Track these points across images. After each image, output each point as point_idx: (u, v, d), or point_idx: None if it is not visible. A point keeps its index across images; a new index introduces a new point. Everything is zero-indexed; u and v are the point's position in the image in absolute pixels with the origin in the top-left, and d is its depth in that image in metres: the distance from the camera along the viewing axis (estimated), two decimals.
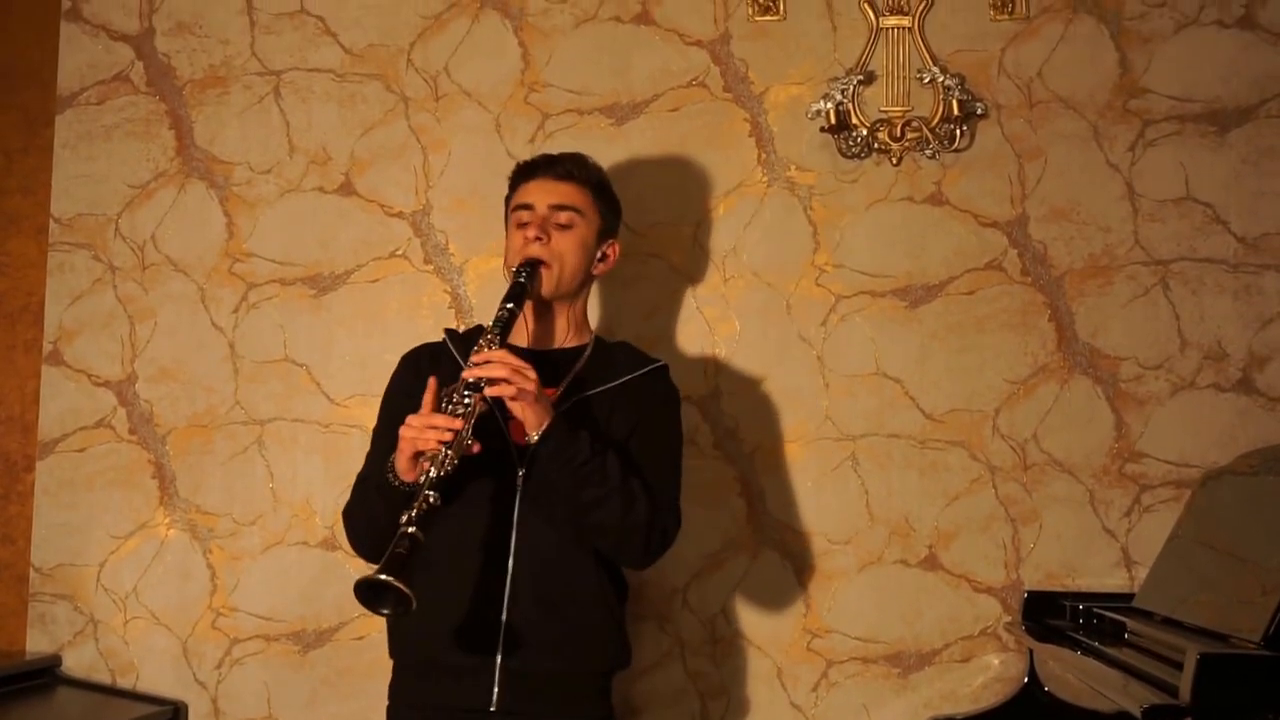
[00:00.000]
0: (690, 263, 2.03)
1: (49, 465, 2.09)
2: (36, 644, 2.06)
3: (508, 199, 1.62)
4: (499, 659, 1.42)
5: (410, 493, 1.36)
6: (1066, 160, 1.99)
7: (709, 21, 2.05)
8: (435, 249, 2.07)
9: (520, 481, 1.46)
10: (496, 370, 1.38)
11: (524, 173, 1.60)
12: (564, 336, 1.59)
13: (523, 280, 1.50)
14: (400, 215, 2.08)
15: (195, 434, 2.07)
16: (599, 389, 1.52)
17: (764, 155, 2.03)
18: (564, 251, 1.54)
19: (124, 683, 2.04)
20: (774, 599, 1.97)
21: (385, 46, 2.10)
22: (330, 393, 2.07)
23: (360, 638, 2.01)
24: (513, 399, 1.39)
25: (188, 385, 2.08)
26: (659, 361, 1.61)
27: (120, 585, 2.06)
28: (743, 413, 2.00)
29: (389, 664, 2.10)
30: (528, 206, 1.56)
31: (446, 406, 1.38)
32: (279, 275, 2.09)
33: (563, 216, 1.55)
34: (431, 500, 1.32)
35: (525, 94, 2.07)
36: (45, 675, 2.01)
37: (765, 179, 2.03)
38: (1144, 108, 1.98)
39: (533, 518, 1.45)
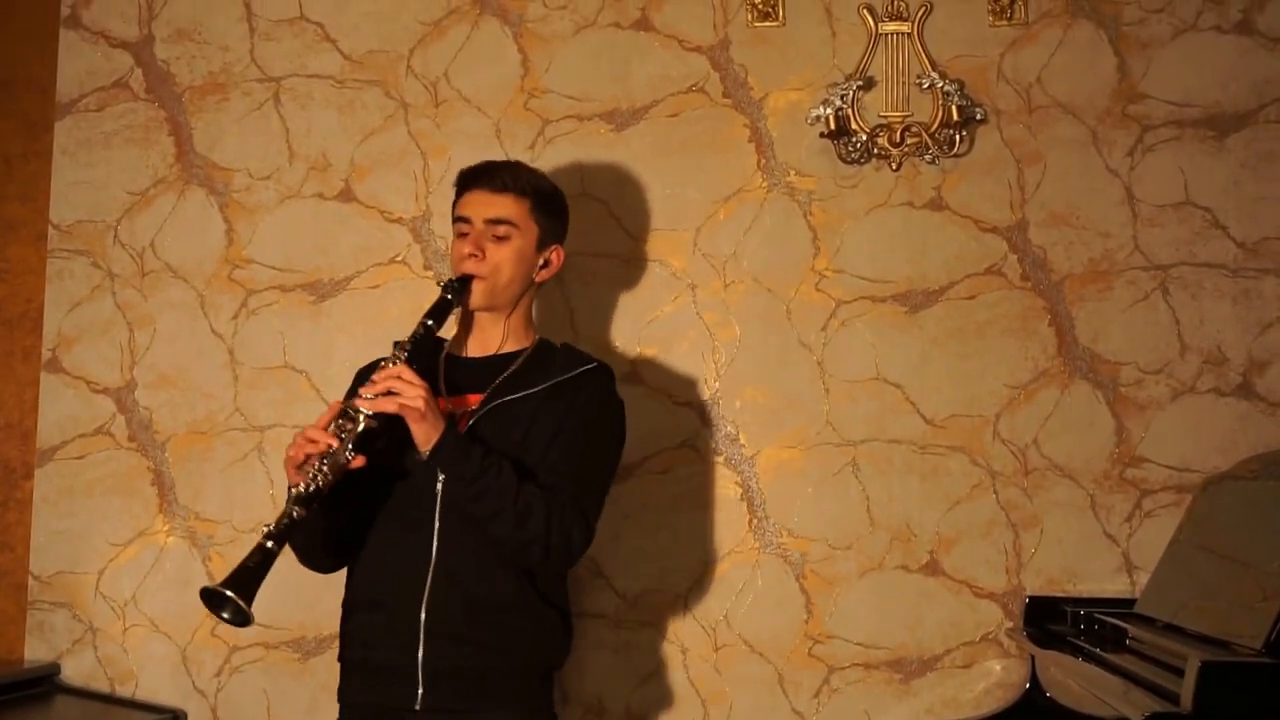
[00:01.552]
0: (690, 268, 2.03)
1: (48, 473, 2.08)
2: (35, 652, 2.06)
3: (454, 206, 1.62)
4: (420, 658, 1.45)
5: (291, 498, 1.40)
6: (1066, 165, 1.99)
7: (708, 27, 2.05)
8: (435, 255, 2.07)
9: (440, 488, 1.49)
10: (379, 386, 1.42)
11: (463, 182, 1.61)
12: (501, 343, 1.60)
13: (449, 297, 1.53)
14: (400, 221, 2.08)
15: (195, 441, 2.06)
16: (522, 393, 1.53)
17: (764, 161, 2.03)
18: (499, 264, 1.55)
19: (123, 691, 2.04)
20: (775, 605, 1.97)
21: (385, 53, 2.10)
22: (330, 399, 2.06)
23: None
24: (400, 412, 1.41)
25: (187, 392, 2.08)
26: (595, 363, 1.60)
27: (119, 593, 2.06)
28: (743, 418, 2.00)
29: None
30: (465, 220, 1.58)
31: (342, 422, 1.42)
32: (278, 281, 2.08)
33: (499, 229, 1.56)
34: (294, 515, 1.36)
35: (525, 100, 2.07)
36: (44, 684, 2.01)
37: (765, 184, 2.03)
38: (1143, 113, 1.99)
39: (453, 521, 1.48)
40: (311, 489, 1.37)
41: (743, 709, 1.96)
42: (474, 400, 1.54)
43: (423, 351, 1.56)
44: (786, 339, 2.01)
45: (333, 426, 1.42)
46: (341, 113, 2.09)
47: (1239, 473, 1.79)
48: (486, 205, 1.57)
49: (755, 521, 1.99)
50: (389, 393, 1.42)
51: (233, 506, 2.06)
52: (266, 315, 2.08)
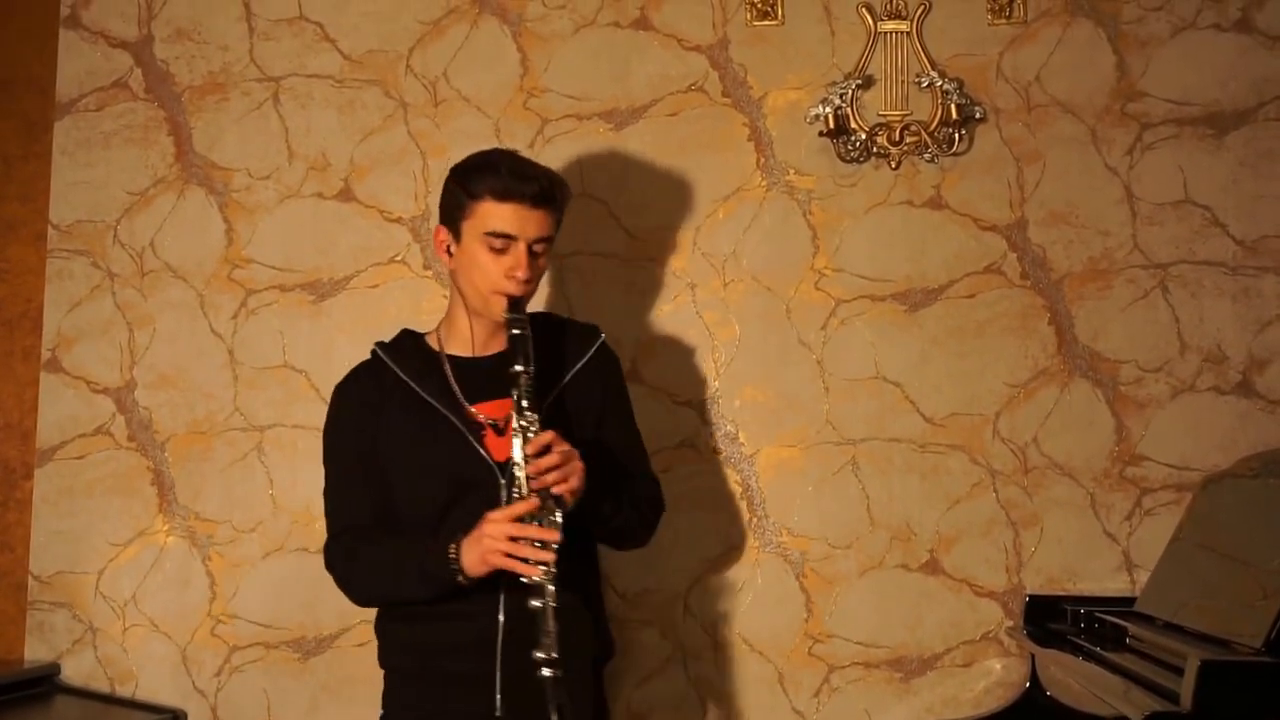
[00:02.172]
0: (690, 267, 2.03)
1: (47, 473, 2.08)
2: (35, 652, 2.05)
3: (465, 201, 1.49)
4: (499, 664, 1.43)
5: (460, 588, 1.41)
6: (1065, 164, 1.99)
7: (707, 27, 2.05)
8: (434, 255, 2.07)
9: (504, 497, 1.46)
10: (551, 462, 1.40)
11: (499, 189, 1.47)
12: (505, 338, 1.53)
13: (522, 333, 1.45)
14: (399, 221, 2.08)
15: (194, 441, 2.06)
16: (554, 390, 1.53)
17: (763, 160, 2.03)
18: (537, 278, 1.54)
19: (123, 691, 2.04)
20: (775, 604, 1.96)
21: (384, 52, 2.10)
22: (329, 399, 2.06)
23: (361, 644, 2.00)
24: (572, 493, 1.42)
25: (187, 392, 2.08)
26: (593, 331, 1.62)
27: (119, 593, 2.06)
28: (743, 417, 2.00)
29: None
30: (508, 236, 1.47)
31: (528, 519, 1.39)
32: (278, 281, 2.08)
33: (539, 246, 1.50)
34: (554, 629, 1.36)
35: (524, 99, 2.07)
36: (44, 684, 2.00)
37: (764, 183, 2.03)
38: (1142, 111, 1.99)
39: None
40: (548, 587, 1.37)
41: (743, 708, 1.96)
42: (499, 407, 1.49)
43: (402, 347, 1.57)
44: (786, 338, 2.00)
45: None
46: (341, 112, 2.09)
47: (1239, 471, 1.79)
48: (530, 223, 1.47)
49: (755, 520, 1.99)
50: (555, 468, 1.39)
51: (232, 506, 2.06)
52: (266, 315, 2.08)
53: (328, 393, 2.04)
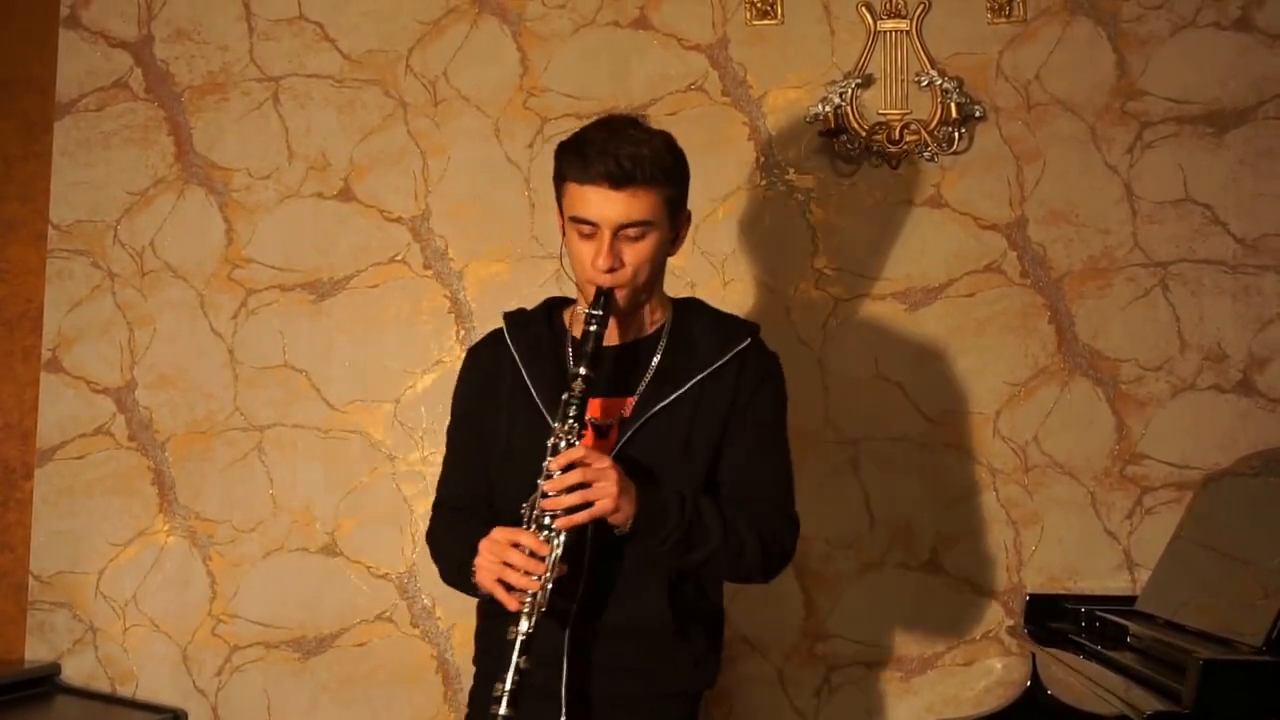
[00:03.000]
0: (690, 266, 2.03)
1: (48, 472, 2.08)
2: (35, 652, 2.06)
3: (557, 182, 1.37)
4: (564, 681, 1.33)
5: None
6: (1065, 162, 1.99)
7: (707, 26, 2.05)
8: (434, 254, 2.07)
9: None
10: (567, 483, 1.25)
11: (578, 169, 1.32)
12: (644, 325, 1.42)
13: (595, 324, 1.32)
14: (399, 220, 2.08)
15: (195, 440, 2.06)
16: (673, 395, 1.36)
17: (763, 159, 2.03)
18: (638, 265, 1.34)
19: (123, 691, 2.04)
20: (775, 603, 1.96)
21: (384, 52, 2.10)
22: (330, 398, 2.06)
23: (361, 644, 2.01)
24: (594, 518, 1.27)
25: (187, 392, 2.08)
26: (745, 334, 1.41)
27: (119, 593, 2.06)
28: None
29: (389, 670, 2.09)
30: (589, 223, 1.33)
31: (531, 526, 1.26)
32: (278, 281, 2.08)
33: (632, 232, 1.33)
34: (523, 665, 1.24)
35: (524, 99, 2.07)
36: (44, 684, 2.01)
37: (764, 182, 2.03)
38: (1142, 110, 1.98)
39: (606, 541, 1.33)
40: (535, 618, 1.24)
41: (743, 707, 1.96)
42: (621, 405, 1.37)
43: (538, 333, 1.40)
44: (786, 337, 2.00)
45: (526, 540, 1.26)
46: (341, 112, 2.10)
47: (1239, 470, 1.78)
48: (614, 206, 1.31)
49: None
50: (577, 487, 1.24)
51: (233, 506, 2.06)
52: (266, 315, 2.08)
53: (328, 392, 2.07)
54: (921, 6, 2.02)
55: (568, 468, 1.26)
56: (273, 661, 2.02)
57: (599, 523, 1.30)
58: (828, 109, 1.99)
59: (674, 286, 2.03)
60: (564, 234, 1.39)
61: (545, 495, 1.27)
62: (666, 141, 1.37)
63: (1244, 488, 1.72)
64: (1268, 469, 1.70)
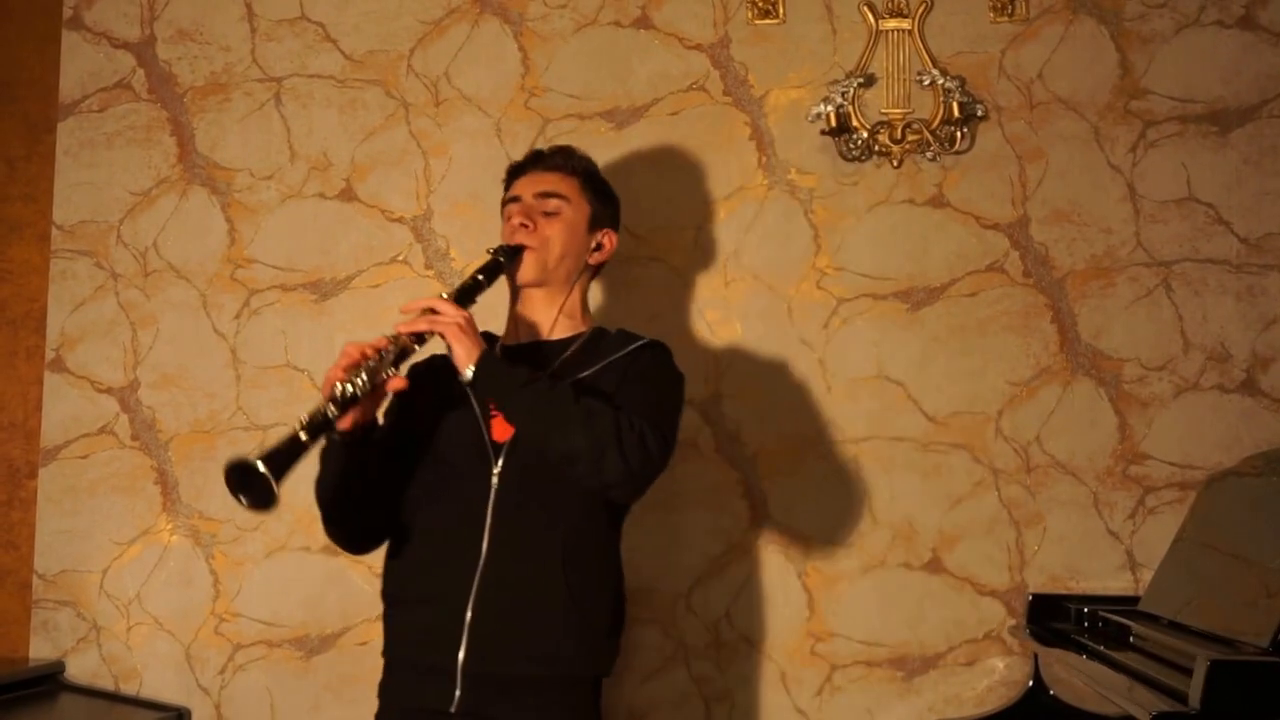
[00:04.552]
0: (691, 266, 2.03)
1: (51, 472, 2.09)
2: (40, 651, 2.06)
3: (503, 202, 1.59)
4: (460, 660, 1.39)
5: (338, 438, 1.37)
6: (1068, 162, 1.98)
7: (708, 25, 2.05)
8: (436, 254, 2.07)
9: (495, 482, 1.43)
10: (416, 307, 1.39)
11: (514, 171, 1.60)
12: (553, 327, 1.53)
13: (500, 260, 1.48)
14: (401, 220, 2.08)
15: (197, 440, 2.07)
16: (575, 376, 1.46)
17: (764, 158, 2.03)
18: (550, 236, 1.51)
19: (127, 689, 2.04)
20: (777, 603, 1.96)
21: (385, 52, 2.10)
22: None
23: (363, 643, 2.01)
24: (436, 329, 1.38)
25: (190, 391, 2.08)
26: (648, 339, 1.53)
27: (123, 591, 2.06)
28: (745, 416, 2.00)
29: None
30: (516, 199, 1.55)
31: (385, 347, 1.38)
32: (280, 281, 2.09)
33: (550, 204, 1.52)
34: (329, 413, 1.30)
35: (525, 99, 2.07)
36: (48, 682, 2.01)
37: (766, 182, 2.03)
38: (1145, 109, 1.98)
39: (506, 520, 1.42)
40: (349, 392, 1.31)
41: (745, 707, 1.96)
42: None
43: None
44: (788, 337, 2.00)
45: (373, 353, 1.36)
46: (342, 112, 2.10)
47: (1243, 470, 1.78)
48: (537, 182, 1.54)
49: (756, 519, 1.98)
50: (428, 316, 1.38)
51: (235, 506, 2.03)
52: (268, 315, 2.08)
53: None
54: (923, 5, 2.01)
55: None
56: (275, 660, 2.03)
57: (499, 502, 1.40)
58: (829, 108, 1.99)
59: (674, 286, 2.04)
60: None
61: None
62: (587, 158, 1.60)
63: (1247, 488, 1.72)
64: (1271, 469, 1.70)
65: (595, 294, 2.03)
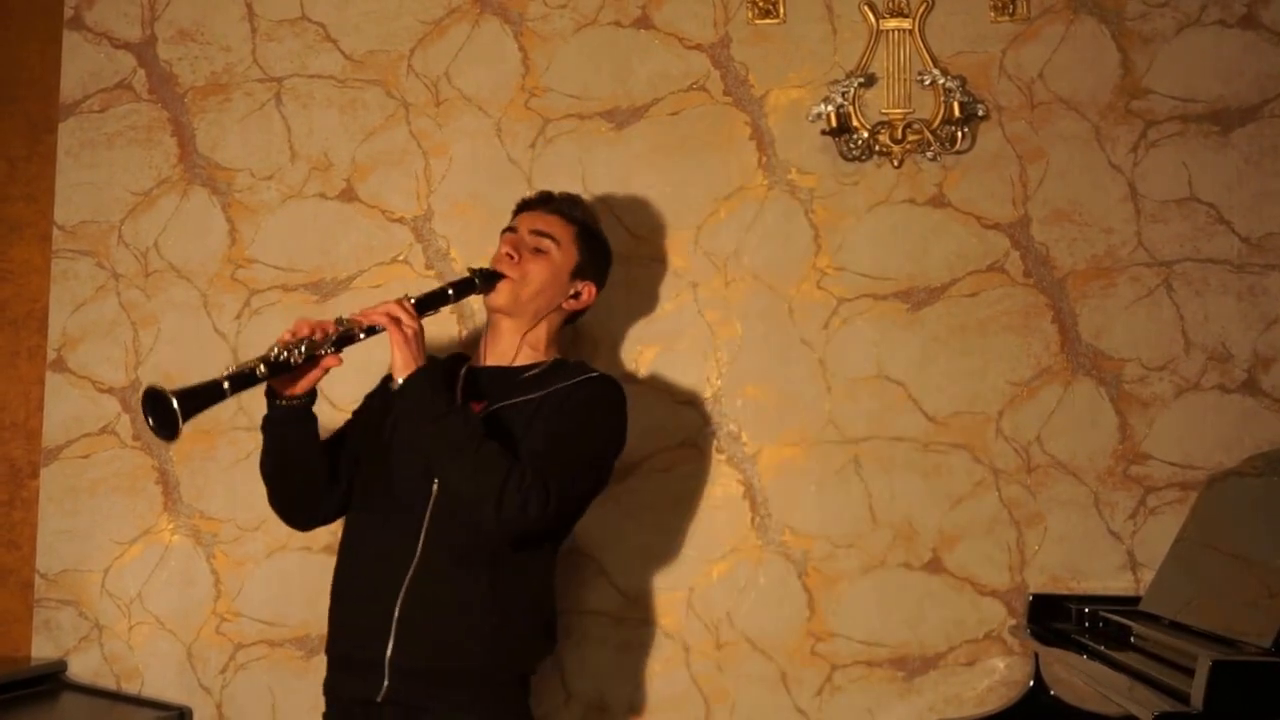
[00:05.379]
0: (692, 266, 2.03)
1: (53, 472, 2.09)
2: (41, 650, 2.07)
3: (502, 230, 1.70)
4: (389, 653, 1.46)
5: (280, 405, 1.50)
6: (1068, 161, 1.98)
7: (708, 25, 2.05)
8: (437, 254, 2.07)
9: (435, 489, 1.51)
10: (376, 306, 1.49)
11: (522, 205, 1.70)
12: (515, 355, 1.62)
13: (475, 281, 1.57)
14: (402, 221, 2.09)
15: (199, 440, 2.07)
16: (521, 398, 1.55)
17: (765, 158, 2.03)
18: (530, 272, 1.60)
19: (129, 688, 2.05)
20: (778, 603, 1.96)
21: (386, 52, 2.10)
22: (333, 399, 2.06)
23: None
24: (385, 325, 1.46)
25: None
26: (597, 373, 1.60)
27: (124, 591, 2.07)
28: (745, 416, 2.00)
29: None
30: (512, 230, 1.66)
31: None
32: (281, 281, 2.09)
33: (541, 242, 1.62)
34: (258, 371, 1.41)
35: (526, 99, 2.07)
36: (50, 681, 2.02)
37: (766, 182, 2.03)
38: (1146, 108, 1.98)
39: (441, 525, 1.50)
40: (282, 357, 1.42)
41: (745, 707, 1.96)
42: (476, 407, 1.55)
43: (445, 363, 1.61)
44: (788, 337, 2.00)
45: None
46: (343, 112, 2.10)
47: (1244, 470, 1.78)
48: (535, 220, 1.65)
49: (757, 519, 1.98)
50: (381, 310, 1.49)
51: (236, 505, 2.06)
52: (269, 315, 2.09)
53: (330, 393, 2.06)
54: (924, 5, 2.01)
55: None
56: (277, 659, 2.03)
57: (437, 509, 1.48)
58: (830, 108, 1.99)
59: (676, 287, 2.04)
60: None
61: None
62: (590, 211, 1.72)
63: (1249, 488, 1.72)
64: (1272, 469, 1.69)
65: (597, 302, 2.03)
